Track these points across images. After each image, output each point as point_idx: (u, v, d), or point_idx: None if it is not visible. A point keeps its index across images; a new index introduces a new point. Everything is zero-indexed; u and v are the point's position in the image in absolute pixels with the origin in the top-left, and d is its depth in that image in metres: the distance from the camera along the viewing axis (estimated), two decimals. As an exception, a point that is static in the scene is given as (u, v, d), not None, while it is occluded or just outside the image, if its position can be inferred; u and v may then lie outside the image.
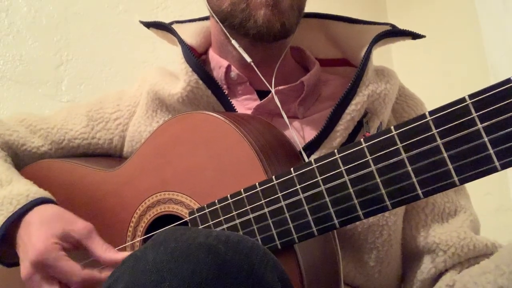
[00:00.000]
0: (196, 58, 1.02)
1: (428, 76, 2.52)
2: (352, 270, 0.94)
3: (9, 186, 0.97)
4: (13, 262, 0.94)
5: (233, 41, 1.01)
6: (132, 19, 2.06)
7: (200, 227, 0.81)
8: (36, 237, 0.86)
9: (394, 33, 1.02)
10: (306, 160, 0.90)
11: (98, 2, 2.02)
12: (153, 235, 0.91)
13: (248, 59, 1.00)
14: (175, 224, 0.87)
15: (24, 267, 0.86)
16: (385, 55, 2.73)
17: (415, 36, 1.01)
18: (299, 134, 0.97)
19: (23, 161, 1.14)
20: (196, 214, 0.82)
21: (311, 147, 0.93)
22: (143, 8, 2.10)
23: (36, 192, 0.95)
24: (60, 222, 0.89)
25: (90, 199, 1.03)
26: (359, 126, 0.96)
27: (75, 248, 0.88)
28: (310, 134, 0.97)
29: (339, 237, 0.86)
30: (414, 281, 0.97)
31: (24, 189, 0.95)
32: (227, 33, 1.02)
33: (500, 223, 2.19)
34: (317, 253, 0.83)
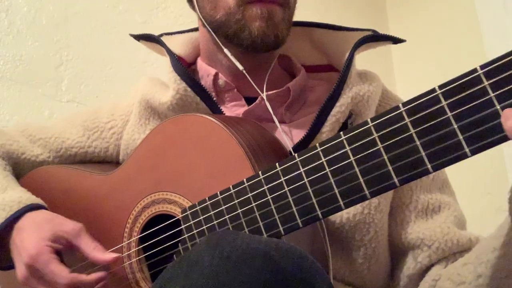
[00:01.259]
0: (184, 67, 1.06)
1: (428, 76, 2.52)
2: (342, 267, 0.95)
3: (3, 193, 1.01)
4: (9, 265, 0.98)
5: (226, 50, 1.05)
6: (132, 19, 2.07)
7: (191, 223, 0.84)
8: (28, 241, 0.90)
9: (375, 37, 1.05)
10: (295, 155, 0.91)
11: (98, 2, 2.03)
12: (148, 233, 0.94)
13: (240, 67, 1.03)
14: (167, 222, 0.91)
15: (19, 270, 0.90)
16: (386, 55, 2.73)
17: (396, 40, 1.05)
18: (287, 137, 0.99)
19: (23, 169, 1.18)
20: (188, 212, 0.84)
21: (298, 149, 0.96)
22: (143, 8, 2.12)
23: (28, 198, 1.00)
24: (50, 225, 0.93)
25: (88, 202, 1.06)
26: (345, 127, 0.99)
27: (68, 248, 0.92)
28: (297, 136, 1.00)
29: (328, 235, 0.89)
30: (401, 277, 0.99)
31: (16, 196, 0.99)
32: (220, 42, 1.05)
33: (500, 223, 2.18)
34: (306, 250, 0.84)
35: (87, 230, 0.93)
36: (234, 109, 1.08)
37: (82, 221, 0.95)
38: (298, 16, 1.12)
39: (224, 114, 1.04)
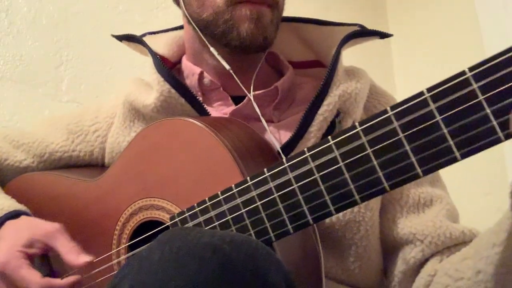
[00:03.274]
0: (167, 68, 1.04)
1: (428, 76, 2.52)
2: (334, 266, 0.95)
3: None
4: None
5: (212, 49, 1.03)
6: (132, 19, 2.06)
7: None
8: (1, 249, 0.89)
9: (362, 33, 1.04)
10: (284, 160, 0.91)
11: (98, 2, 2.02)
12: (137, 241, 0.93)
13: (227, 67, 1.02)
14: (157, 229, 0.89)
15: None
16: (385, 55, 2.73)
17: (382, 35, 1.04)
18: (275, 137, 0.98)
19: (6, 175, 1.17)
20: (177, 219, 0.83)
21: (286, 149, 0.95)
22: (143, 8, 2.10)
23: (10, 205, 0.99)
24: (28, 230, 0.92)
25: (74, 210, 1.05)
26: (332, 126, 0.98)
27: (45, 251, 0.91)
28: (285, 136, 0.99)
29: (319, 234, 0.88)
30: (395, 273, 0.99)
31: None
32: (206, 41, 1.04)
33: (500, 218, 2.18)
34: (297, 251, 0.85)
35: (71, 235, 0.92)
36: (220, 108, 1.07)
37: (68, 228, 0.93)
38: (301, 14, 1.12)
39: (211, 114, 1.02)
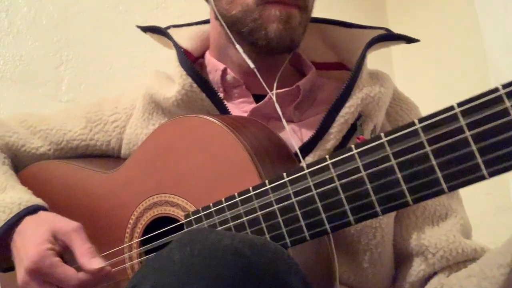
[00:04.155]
0: (191, 62, 1.03)
1: (428, 76, 2.52)
2: (347, 271, 0.94)
3: (2, 193, 0.99)
4: (8, 267, 0.97)
5: (238, 46, 1.02)
6: (132, 19, 2.06)
7: (195, 229, 0.82)
8: (29, 245, 0.88)
9: (389, 37, 1.03)
10: (302, 161, 0.91)
11: (98, 2, 2.02)
12: (150, 237, 0.92)
13: (252, 65, 1.00)
14: (171, 226, 0.89)
15: (20, 275, 0.87)
16: (385, 55, 2.73)
17: (409, 40, 1.02)
18: (294, 137, 0.97)
19: (22, 161, 1.16)
20: (192, 217, 0.82)
21: (305, 150, 0.94)
22: (143, 8, 2.11)
23: (29, 200, 0.97)
24: (49, 225, 0.90)
25: (88, 201, 1.04)
26: (353, 129, 0.97)
27: (65, 248, 0.90)
28: (304, 137, 0.98)
29: (333, 239, 0.87)
30: (403, 283, 0.98)
31: (16, 197, 0.97)
32: (232, 38, 1.03)
33: (500, 223, 2.19)
34: (310, 255, 0.84)
35: (85, 230, 0.91)
36: (241, 106, 1.06)
37: (82, 219, 0.93)
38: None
39: (230, 112, 1.01)
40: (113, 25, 2.03)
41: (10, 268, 0.96)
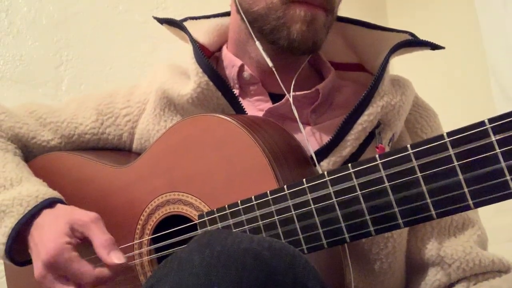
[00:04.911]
0: (207, 59, 1.01)
1: (428, 76, 2.52)
2: (356, 279, 0.93)
3: (18, 186, 0.97)
4: (24, 260, 0.95)
5: (257, 43, 1.00)
6: (132, 19, 2.06)
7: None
8: (47, 238, 0.86)
9: (413, 43, 1.00)
10: (317, 165, 0.90)
11: (98, 2, 2.02)
12: (161, 235, 0.92)
13: (270, 64, 0.98)
14: (184, 226, 0.88)
15: (37, 268, 0.86)
16: (385, 55, 2.73)
17: (434, 47, 1.00)
18: (309, 140, 0.95)
19: (33, 153, 1.14)
20: (206, 218, 0.81)
21: (320, 154, 0.92)
22: (143, 8, 2.11)
23: (46, 192, 0.95)
24: (66, 218, 0.89)
25: (100, 195, 1.04)
26: (371, 136, 0.95)
27: (83, 241, 0.88)
28: (320, 141, 0.96)
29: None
30: None
31: (33, 190, 0.95)
32: (253, 34, 1.00)
33: (500, 223, 2.19)
34: (324, 262, 0.83)
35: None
36: (257, 104, 1.04)
37: (93, 211, 0.91)
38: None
39: (246, 110, 0.99)
40: (113, 25, 2.02)
41: (25, 262, 0.95)
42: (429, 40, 1.00)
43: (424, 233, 0.98)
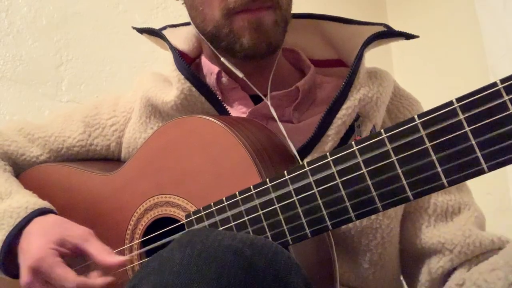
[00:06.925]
0: (188, 65, 1.03)
1: (428, 76, 2.52)
2: (347, 272, 0.94)
3: (8, 199, 0.99)
4: (17, 273, 0.95)
5: (223, 59, 1.02)
6: (132, 19, 2.06)
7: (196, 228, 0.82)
8: (34, 245, 0.88)
9: (386, 34, 1.01)
10: (300, 163, 0.90)
11: (98, 2, 2.02)
12: (151, 237, 0.92)
13: (240, 75, 1.00)
14: (172, 227, 0.89)
15: (22, 273, 0.88)
16: (385, 54, 2.73)
17: (408, 36, 1.01)
18: (293, 138, 0.96)
19: (23, 169, 1.16)
20: (193, 217, 0.82)
21: (303, 152, 0.94)
22: (143, 8, 2.11)
23: (35, 203, 0.97)
24: (58, 229, 0.90)
25: (88, 202, 1.04)
26: (352, 130, 0.96)
27: (73, 253, 0.89)
28: (303, 138, 0.97)
29: (334, 239, 0.87)
30: (423, 282, 0.98)
31: (23, 201, 0.97)
32: (216, 52, 1.02)
33: (500, 223, 2.18)
34: (311, 255, 0.84)
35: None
36: (239, 107, 1.05)
37: (82, 221, 0.93)
38: (299, 11, 1.10)
39: (230, 113, 1.01)
40: (113, 25, 2.03)
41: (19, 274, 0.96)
42: (402, 31, 1.01)
43: (421, 222, 0.98)
